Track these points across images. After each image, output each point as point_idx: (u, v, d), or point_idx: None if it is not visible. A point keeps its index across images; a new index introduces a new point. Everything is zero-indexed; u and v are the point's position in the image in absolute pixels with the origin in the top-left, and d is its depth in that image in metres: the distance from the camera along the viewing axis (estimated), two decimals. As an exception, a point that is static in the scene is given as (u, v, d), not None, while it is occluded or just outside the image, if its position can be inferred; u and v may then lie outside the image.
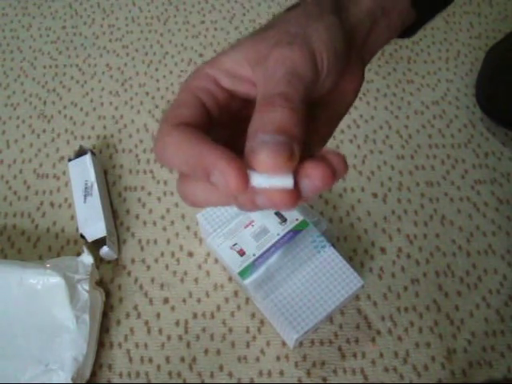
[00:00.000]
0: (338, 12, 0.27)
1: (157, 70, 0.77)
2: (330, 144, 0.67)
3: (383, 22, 0.29)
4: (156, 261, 0.60)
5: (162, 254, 0.61)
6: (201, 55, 0.79)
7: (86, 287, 0.53)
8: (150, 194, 0.65)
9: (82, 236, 0.58)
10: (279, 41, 0.24)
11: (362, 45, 0.29)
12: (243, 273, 0.52)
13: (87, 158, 0.63)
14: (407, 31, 0.33)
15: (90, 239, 0.58)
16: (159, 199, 0.65)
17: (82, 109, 0.73)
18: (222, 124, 0.26)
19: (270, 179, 0.21)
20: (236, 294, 0.58)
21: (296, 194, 0.21)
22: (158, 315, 0.57)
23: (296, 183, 0.21)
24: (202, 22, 0.83)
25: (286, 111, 0.21)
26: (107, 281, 0.59)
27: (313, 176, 0.21)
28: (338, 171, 0.22)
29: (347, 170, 0.22)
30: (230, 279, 0.59)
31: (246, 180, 0.21)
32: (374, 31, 0.29)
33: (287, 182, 0.21)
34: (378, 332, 0.56)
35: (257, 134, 0.21)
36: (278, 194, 0.21)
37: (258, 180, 0.21)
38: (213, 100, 0.25)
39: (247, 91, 0.25)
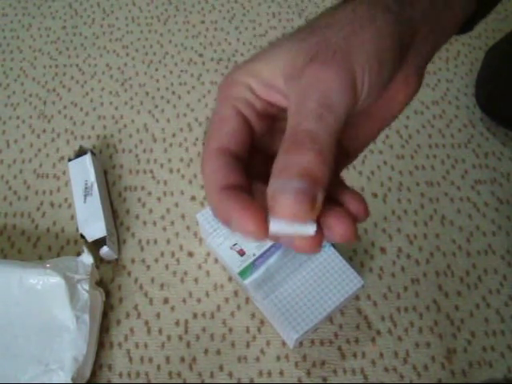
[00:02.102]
0: (398, 5, 0.24)
1: (157, 70, 0.77)
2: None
3: (446, 14, 0.26)
4: (156, 261, 0.60)
5: (162, 254, 0.61)
6: (201, 55, 0.79)
7: (86, 287, 0.53)
8: (149, 194, 0.66)
9: (82, 236, 0.58)
10: (316, 55, 0.22)
11: (422, 44, 0.25)
12: (243, 273, 0.52)
13: (87, 157, 0.63)
14: (465, 26, 0.30)
15: (90, 239, 0.58)
16: (159, 199, 0.65)
17: (82, 109, 0.73)
18: (261, 131, 0.25)
19: (291, 226, 0.20)
20: (236, 293, 0.58)
21: (318, 240, 0.21)
22: (158, 315, 0.57)
23: (319, 226, 0.20)
24: (202, 22, 0.83)
25: (313, 154, 0.20)
26: (107, 281, 0.59)
27: (336, 230, 0.21)
28: (360, 218, 0.21)
29: (368, 215, 0.22)
30: (230, 279, 0.59)
31: (263, 229, 0.20)
32: (436, 27, 0.26)
33: (309, 229, 0.20)
34: (378, 332, 0.56)
35: (280, 176, 0.20)
36: (299, 241, 0.21)
37: (278, 227, 0.20)
38: (252, 110, 0.24)
39: (281, 102, 0.24)
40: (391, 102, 0.26)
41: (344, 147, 0.25)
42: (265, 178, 0.22)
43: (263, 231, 0.20)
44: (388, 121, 0.27)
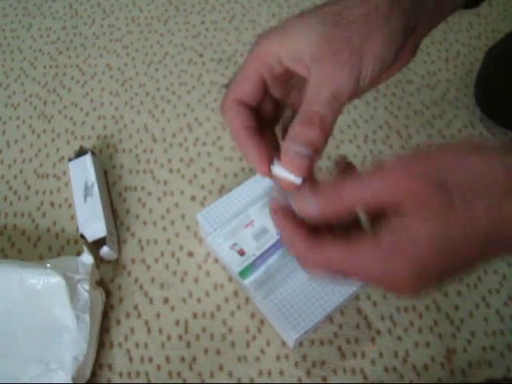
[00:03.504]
0: (410, 1, 0.29)
1: (157, 70, 0.78)
2: (330, 144, 0.66)
3: (448, 3, 0.32)
4: (156, 261, 0.60)
5: (162, 254, 0.61)
6: (201, 55, 0.79)
7: (86, 287, 0.53)
8: (150, 194, 0.66)
9: (82, 236, 0.58)
10: (339, 50, 0.28)
11: (422, 29, 0.31)
12: (243, 273, 0.52)
13: (87, 158, 0.63)
14: (471, 2, 0.35)
15: (90, 239, 0.58)
16: (159, 199, 0.65)
17: (82, 109, 0.73)
18: (273, 88, 0.32)
19: (287, 173, 0.29)
20: (236, 293, 0.58)
21: (300, 187, 0.29)
22: (158, 315, 0.57)
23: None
24: (202, 22, 0.83)
25: (319, 131, 0.28)
26: (107, 281, 0.59)
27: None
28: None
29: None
30: (230, 279, 0.59)
31: (267, 170, 0.30)
32: (437, 14, 0.31)
33: (297, 180, 0.29)
34: (378, 332, 0.56)
35: (294, 140, 0.28)
36: (288, 186, 0.30)
37: (279, 171, 0.30)
38: (271, 74, 0.31)
39: (301, 71, 0.30)
40: (388, 72, 0.31)
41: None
42: (272, 119, 0.33)
43: (265, 170, 0.30)
44: (379, 84, 0.32)
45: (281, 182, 0.30)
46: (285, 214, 0.29)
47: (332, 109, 0.28)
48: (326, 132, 0.28)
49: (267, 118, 0.33)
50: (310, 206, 0.28)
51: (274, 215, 0.30)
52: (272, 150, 0.31)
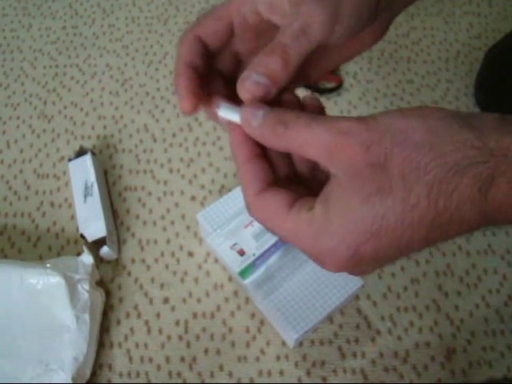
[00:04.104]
0: None
1: (157, 70, 0.78)
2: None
3: None
4: (156, 261, 0.60)
5: (162, 254, 0.61)
6: (201, 55, 0.79)
7: (86, 287, 0.53)
8: (150, 194, 0.66)
9: (82, 236, 0.58)
10: None
11: (396, 5, 0.31)
12: (243, 273, 0.52)
13: (87, 158, 0.63)
14: None
15: (90, 239, 0.58)
16: (159, 199, 0.65)
17: (82, 109, 0.73)
18: (244, 38, 0.31)
19: (231, 114, 0.28)
20: (236, 294, 0.58)
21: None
22: (158, 315, 0.57)
23: None
24: (202, 22, 0.83)
25: (280, 61, 0.27)
26: (107, 281, 0.59)
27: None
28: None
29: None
30: (230, 279, 0.59)
31: (189, 106, 0.28)
32: None
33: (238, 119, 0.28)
34: (378, 332, 0.56)
35: (252, 69, 0.27)
36: (231, 125, 0.28)
37: (224, 113, 0.28)
38: (243, 24, 0.30)
39: (277, 21, 0.29)
40: (358, 44, 0.32)
41: (306, 71, 0.32)
42: (228, 76, 0.32)
43: (187, 105, 0.28)
44: (350, 58, 0.33)
45: (227, 127, 0.29)
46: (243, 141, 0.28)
47: (298, 42, 0.27)
48: (288, 64, 0.27)
49: (223, 71, 0.32)
50: (253, 127, 0.27)
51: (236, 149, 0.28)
52: (211, 93, 0.29)
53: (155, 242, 0.62)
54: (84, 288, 0.53)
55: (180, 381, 0.53)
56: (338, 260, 0.25)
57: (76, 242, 0.62)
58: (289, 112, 0.26)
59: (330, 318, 0.56)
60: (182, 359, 0.54)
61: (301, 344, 0.55)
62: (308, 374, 0.54)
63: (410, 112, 0.24)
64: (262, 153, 0.28)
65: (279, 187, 0.27)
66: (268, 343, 0.55)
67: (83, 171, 0.63)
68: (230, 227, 0.55)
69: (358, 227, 0.24)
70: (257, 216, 0.28)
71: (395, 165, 0.23)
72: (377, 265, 0.26)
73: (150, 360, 0.54)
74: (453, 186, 0.23)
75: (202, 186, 0.66)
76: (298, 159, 0.29)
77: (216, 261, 0.60)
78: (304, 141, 0.25)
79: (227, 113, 0.28)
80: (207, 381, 0.53)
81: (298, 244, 0.26)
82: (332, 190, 0.25)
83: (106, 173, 0.67)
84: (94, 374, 0.53)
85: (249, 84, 0.27)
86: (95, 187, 0.61)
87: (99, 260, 0.59)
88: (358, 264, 0.25)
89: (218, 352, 0.55)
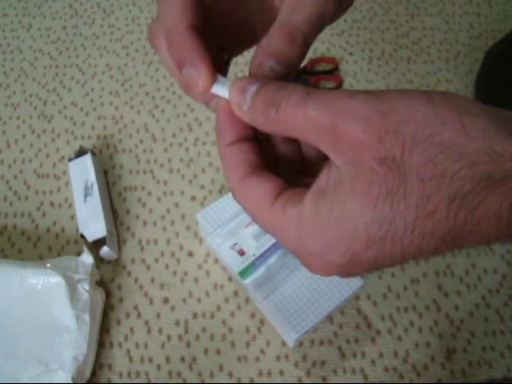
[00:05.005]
0: None
1: (157, 70, 0.78)
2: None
3: None
4: (156, 261, 0.61)
5: (162, 254, 0.61)
6: (201, 55, 0.79)
7: (86, 287, 0.53)
8: (150, 194, 0.66)
9: (82, 236, 0.58)
10: None
11: None
12: (243, 273, 0.52)
13: (87, 158, 0.63)
14: None
15: (90, 239, 0.58)
16: (159, 199, 0.65)
17: (82, 109, 0.73)
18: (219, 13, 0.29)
19: (225, 92, 0.25)
20: (236, 294, 0.58)
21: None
22: (158, 315, 0.57)
23: None
24: (202, 22, 0.83)
25: (299, 52, 0.25)
26: (107, 281, 0.59)
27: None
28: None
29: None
30: (230, 279, 0.59)
31: (209, 87, 0.25)
32: None
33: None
34: (378, 332, 0.56)
35: (271, 56, 0.25)
36: (223, 102, 0.25)
37: (220, 90, 0.25)
38: None
39: None
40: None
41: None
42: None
43: (208, 89, 0.25)
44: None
45: (216, 106, 0.26)
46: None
47: (314, 29, 0.26)
48: (304, 54, 0.26)
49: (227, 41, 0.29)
50: (244, 111, 0.24)
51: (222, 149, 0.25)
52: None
53: (155, 242, 0.62)
54: (84, 288, 0.53)
55: (180, 381, 0.53)
56: (326, 265, 0.22)
57: (76, 242, 0.62)
58: (282, 88, 0.23)
59: (330, 318, 0.56)
60: (182, 359, 0.54)
61: (301, 344, 0.55)
62: (308, 374, 0.54)
63: (438, 99, 0.20)
64: (253, 135, 0.25)
65: (270, 173, 0.24)
66: (268, 343, 0.55)
67: (83, 171, 0.63)
68: (229, 227, 0.55)
69: (357, 234, 0.20)
70: (241, 203, 0.25)
71: (414, 166, 0.20)
72: (372, 270, 0.22)
73: (150, 360, 0.54)
74: (480, 199, 0.19)
75: (202, 186, 0.66)
76: (303, 144, 0.27)
77: (216, 261, 0.60)
78: (298, 124, 0.22)
79: (221, 89, 0.25)
80: (207, 381, 0.53)
81: (281, 241, 0.23)
82: (328, 183, 0.21)
83: (106, 173, 0.67)
84: (94, 373, 0.53)
85: (267, 71, 0.25)
86: (95, 187, 0.61)
87: (99, 260, 0.59)
88: (351, 270, 0.22)
89: (218, 352, 0.55)
